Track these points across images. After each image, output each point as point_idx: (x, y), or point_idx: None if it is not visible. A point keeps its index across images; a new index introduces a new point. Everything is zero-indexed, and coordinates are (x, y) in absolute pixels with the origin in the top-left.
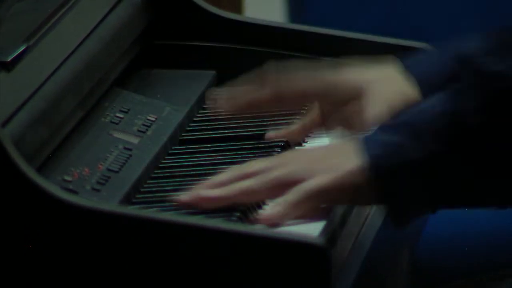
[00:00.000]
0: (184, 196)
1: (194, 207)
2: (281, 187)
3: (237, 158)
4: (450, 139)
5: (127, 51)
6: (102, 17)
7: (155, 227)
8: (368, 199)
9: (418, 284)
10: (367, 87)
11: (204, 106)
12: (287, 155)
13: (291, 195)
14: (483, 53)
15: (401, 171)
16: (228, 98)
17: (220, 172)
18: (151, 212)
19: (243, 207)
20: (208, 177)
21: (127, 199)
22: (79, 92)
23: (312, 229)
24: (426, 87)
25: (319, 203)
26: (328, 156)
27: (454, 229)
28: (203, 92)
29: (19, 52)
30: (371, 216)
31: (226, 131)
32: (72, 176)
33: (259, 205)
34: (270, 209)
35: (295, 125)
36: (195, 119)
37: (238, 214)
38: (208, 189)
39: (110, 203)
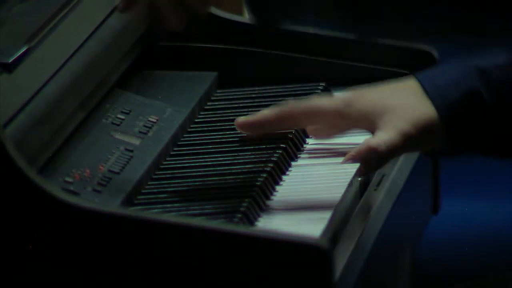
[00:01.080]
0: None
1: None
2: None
3: (238, 159)
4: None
5: (128, 52)
6: (104, 18)
7: (156, 228)
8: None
9: (419, 285)
10: (383, 113)
11: (205, 107)
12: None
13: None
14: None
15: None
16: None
17: (220, 172)
18: (153, 214)
19: (244, 208)
20: (210, 178)
21: (129, 201)
22: (80, 93)
23: (313, 230)
24: (443, 106)
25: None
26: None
27: (455, 230)
28: (204, 93)
29: (20, 53)
30: (373, 217)
31: (227, 132)
32: (73, 177)
33: (260, 207)
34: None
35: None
36: (196, 120)
37: (239, 215)
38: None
39: (111, 205)
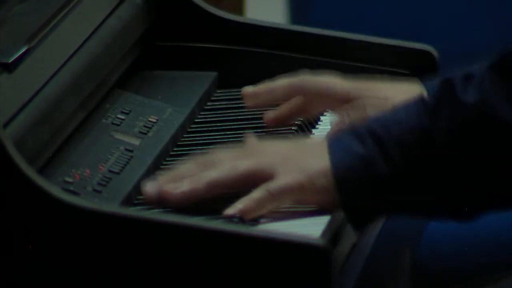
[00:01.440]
0: (150, 191)
1: (162, 203)
2: (249, 180)
3: None
4: (416, 156)
5: (128, 52)
6: (104, 19)
7: (156, 228)
8: (331, 203)
9: (419, 285)
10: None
11: (205, 107)
12: (255, 146)
13: (256, 193)
14: (463, 79)
15: (364, 183)
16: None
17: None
18: (152, 214)
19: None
20: None
21: (128, 201)
22: (80, 93)
23: (313, 230)
24: None
25: (283, 203)
26: (298, 154)
27: (455, 230)
28: (204, 93)
29: (20, 53)
30: None
31: (227, 132)
32: (73, 177)
33: None
34: (235, 205)
35: (282, 109)
36: (196, 120)
37: (239, 215)
38: (173, 182)
39: (111, 205)
